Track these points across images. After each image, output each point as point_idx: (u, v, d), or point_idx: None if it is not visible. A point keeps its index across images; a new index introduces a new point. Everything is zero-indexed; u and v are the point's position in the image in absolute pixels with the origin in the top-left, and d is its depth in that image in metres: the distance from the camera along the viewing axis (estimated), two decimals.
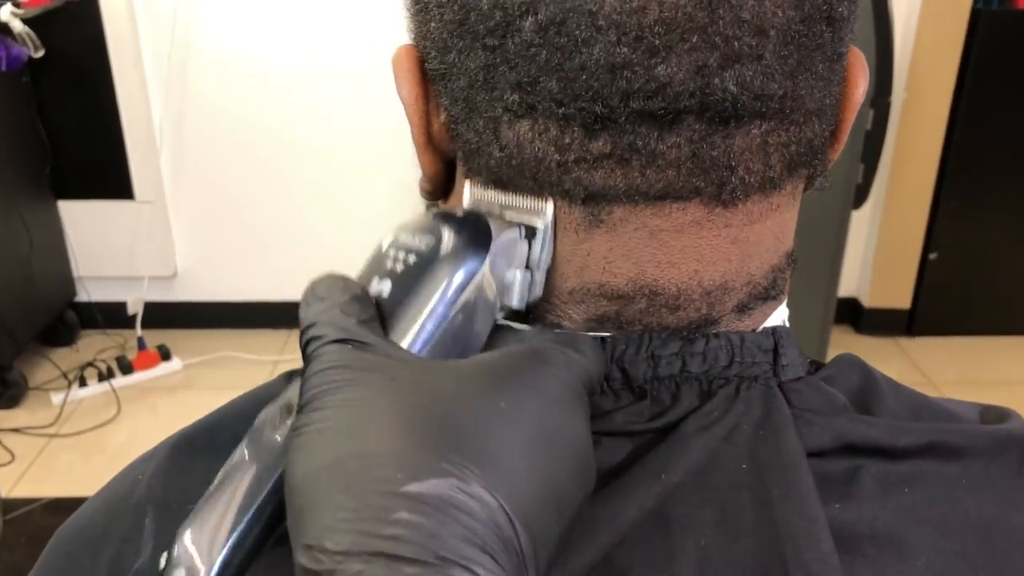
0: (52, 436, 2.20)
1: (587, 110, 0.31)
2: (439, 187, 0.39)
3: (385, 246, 0.34)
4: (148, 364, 2.45)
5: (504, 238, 0.33)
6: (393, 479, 0.25)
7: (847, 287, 2.69)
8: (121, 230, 2.55)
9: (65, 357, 2.51)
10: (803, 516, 0.32)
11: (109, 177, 2.51)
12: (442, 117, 0.36)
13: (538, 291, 0.35)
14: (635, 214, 0.33)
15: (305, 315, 0.31)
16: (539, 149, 0.33)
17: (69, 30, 2.34)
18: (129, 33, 2.36)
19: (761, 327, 0.37)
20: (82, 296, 2.61)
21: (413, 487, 0.25)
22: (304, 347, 0.30)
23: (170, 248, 2.59)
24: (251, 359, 2.53)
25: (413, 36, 0.37)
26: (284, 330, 2.69)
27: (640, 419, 0.35)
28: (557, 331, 0.35)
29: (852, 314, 2.75)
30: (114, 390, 2.35)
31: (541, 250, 0.34)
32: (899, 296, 2.68)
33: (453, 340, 0.33)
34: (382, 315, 0.32)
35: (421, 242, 0.33)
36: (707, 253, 0.34)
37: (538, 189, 0.34)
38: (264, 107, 2.45)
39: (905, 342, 2.69)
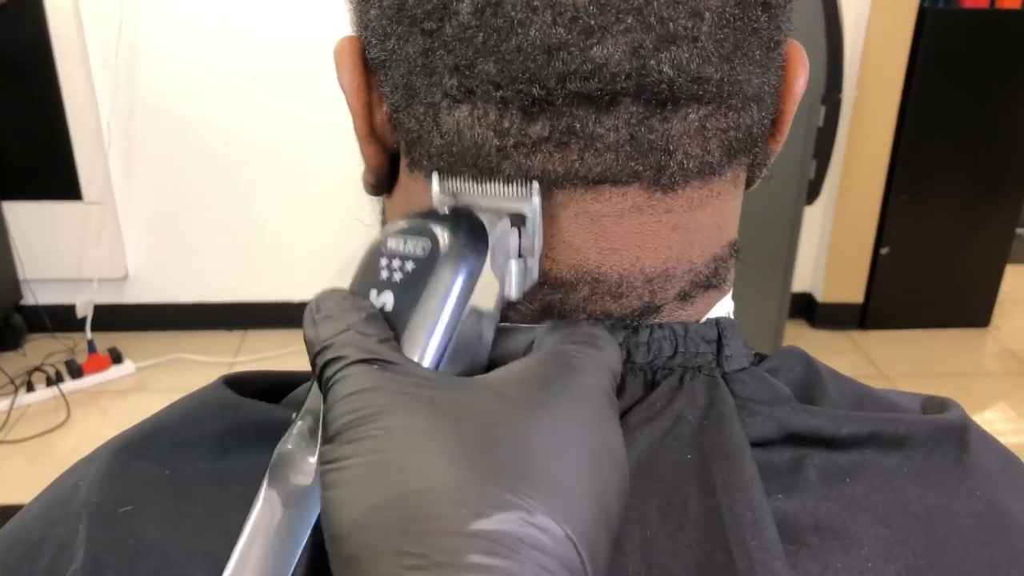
0: None
1: (524, 92, 0.31)
2: (383, 180, 0.38)
3: (376, 255, 0.32)
4: (99, 367, 2.39)
5: (499, 230, 0.32)
6: (457, 516, 0.24)
7: (801, 282, 2.72)
8: (69, 231, 2.49)
9: (11, 361, 2.45)
10: (747, 506, 0.32)
11: (55, 177, 2.45)
12: (384, 108, 0.36)
13: (535, 276, 0.34)
14: (575, 199, 0.33)
15: (315, 335, 0.29)
16: (479, 135, 0.32)
17: (11, 28, 2.28)
18: (74, 30, 2.31)
19: (705, 317, 0.37)
20: (28, 299, 2.55)
21: (481, 524, 0.24)
22: (321, 371, 0.28)
23: (120, 249, 2.54)
24: (205, 361, 2.49)
25: (355, 26, 0.36)
26: (238, 331, 2.65)
27: None
28: (568, 327, 0.33)
29: (806, 309, 2.79)
30: (63, 394, 2.29)
31: (534, 235, 0.33)
32: (852, 291, 2.73)
33: (465, 348, 0.31)
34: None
35: (416, 247, 0.31)
36: (648, 239, 0.34)
37: (479, 175, 0.33)
38: (214, 105, 2.41)
39: (858, 335, 2.73)
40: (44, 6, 2.28)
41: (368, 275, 0.32)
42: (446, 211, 0.33)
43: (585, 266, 0.34)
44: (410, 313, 0.30)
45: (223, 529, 0.31)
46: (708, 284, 0.36)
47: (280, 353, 2.50)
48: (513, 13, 0.30)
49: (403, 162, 0.36)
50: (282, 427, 0.33)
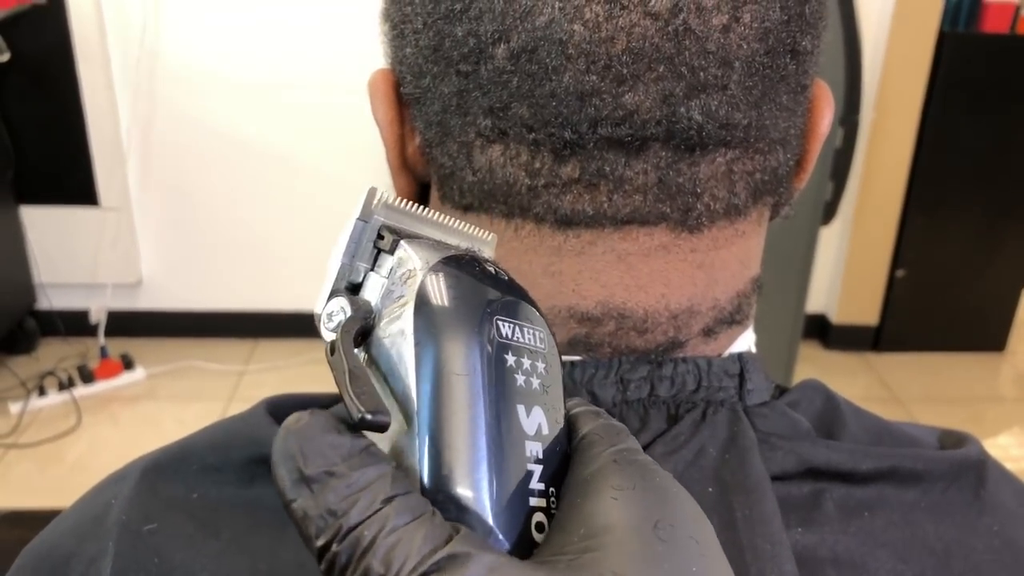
0: (9, 446, 2.15)
1: (556, 136, 0.32)
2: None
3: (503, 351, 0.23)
4: (110, 373, 2.40)
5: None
6: None
7: (815, 303, 2.71)
8: (85, 236, 2.51)
9: (24, 365, 2.46)
10: (767, 539, 0.32)
11: (74, 183, 2.47)
12: (417, 141, 0.36)
13: None
14: (603, 238, 0.34)
15: (315, 504, 0.21)
16: (510, 174, 0.33)
17: (36, 33, 2.31)
18: (97, 37, 2.33)
19: (727, 352, 0.37)
20: (43, 303, 2.56)
21: None
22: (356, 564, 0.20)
23: (135, 255, 2.56)
24: (216, 368, 2.50)
25: (389, 60, 0.37)
26: (250, 340, 2.66)
27: None
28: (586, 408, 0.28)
29: (820, 330, 2.77)
30: (74, 399, 2.30)
31: None
32: (867, 312, 2.71)
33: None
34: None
35: (537, 340, 0.25)
36: (674, 277, 0.35)
37: (509, 213, 0.34)
38: (233, 114, 2.43)
39: (872, 358, 2.71)
40: (68, 13, 2.30)
41: (499, 379, 0.23)
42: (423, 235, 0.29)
43: (611, 302, 0.34)
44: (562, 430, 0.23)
45: (249, 552, 0.32)
46: (731, 320, 0.37)
47: (291, 363, 2.51)
48: (548, 60, 0.31)
49: (434, 195, 0.37)
50: None
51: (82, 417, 2.26)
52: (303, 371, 2.47)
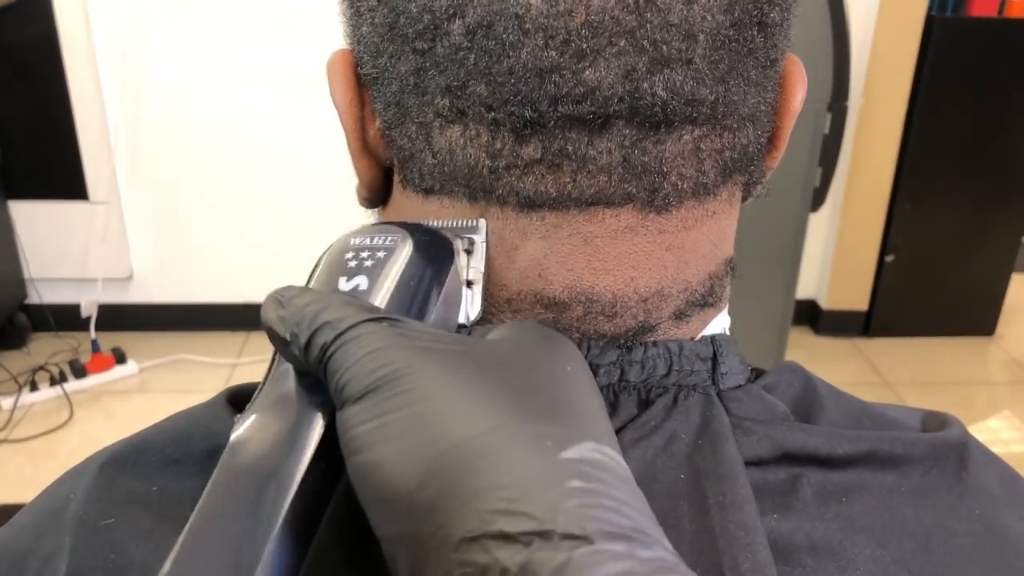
0: (1, 441, 2.14)
1: (516, 114, 0.31)
2: (377, 194, 0.38)
3: (341, 251, 0.32)
4: (102, 367, 2.40)
5: (457, 246, 0.33)
6: (544, 449, 0.24)
7: (806, 289, 2.72)
8: (75, 231, 2.50)
9: (15, 360, 2.45)
10: (740, 526, 0.32)
11: (62, 177, 2.46)
12: (377, 123, 0.35)
13: (478, 307, 0.34)
14: (568, 220, 0.33)
15: (291, 312, 0.28)
16: (470, 155, 0.32)
17: (20, 27, 2.29)
18: (83, 30, 2.32)
19: (700, 335, 0.37)
20: (33, 298, 2.55)
21: (568, 454, 0.24)
22: (310, 339, 0.27)
23: (125, 249, 2.55)
24: (208, 362, 2.49)
25: (348, 40, 0.36)
26: (242, 332, 2.65)
27: None
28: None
29: (811, 315, 2.78)
30: (66, 394, 2.30)
31: (480, 265, 0.33)
32: (856, 298, 2.72)
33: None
34: None
35: (384, 239, 0.32)
36: (642, 259, 0.34)
37: (471, 195, 0.33)
38: (221, 107, 2.42)
39: (862, 343, 2.73)
40: (53, 6, 2.28)
41: (335, 266, 0.31)
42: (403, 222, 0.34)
43: (579, 286, 0.34)
44: (387, 289, 0.30)
45: None
46: (703, 302, 0.36)
47: None
48: (505, 35, 0.30)
49: (396, 178, 0.36)
50: None
51: (74, 411, 2.25)
52: None
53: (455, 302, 0.32)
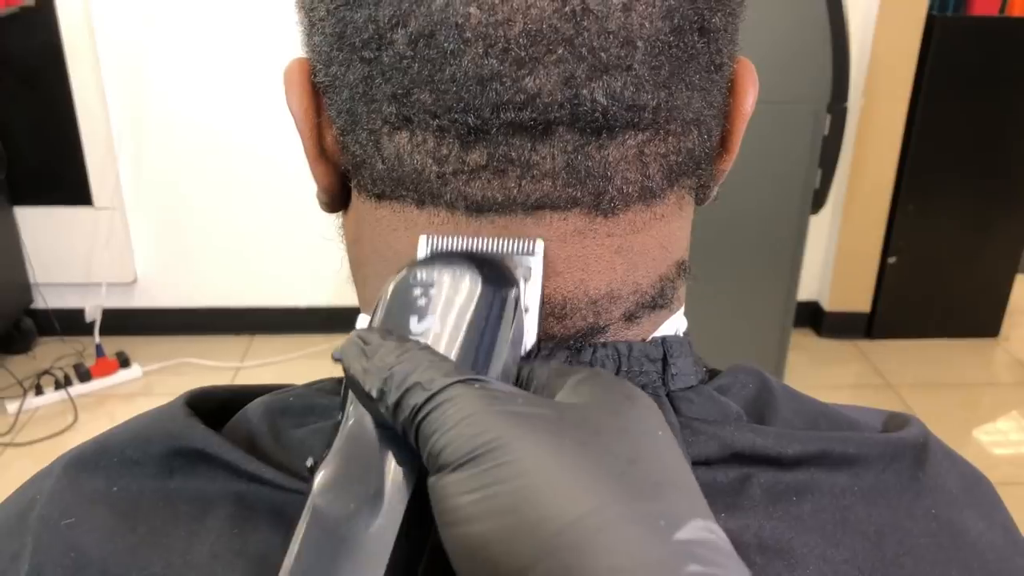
0: (7, 445, 2.16)
1: (460, 121, 0.32)
2: (335, 198, 0.39)
3: (407, 286, 0.31)
4: (106, 371, 2.41)
5: (517, 275, 0.33)
6: (658, 529, 0.23)
7: (808, 291, 2.71)
8: (79, 236, 2.52)
9: (21, 364, 2.47)
10: None
11: (67, 183, 2.48)
12: (334, 129, 0.36)
13: (533, 335, 0.33)
14: (516, 224, 0.33)
15: (376, 364, 0.28)
16: (418, 161, 0.33)
17: (25, 35, 2.31)
18: (86, 38, 2.34)
19: (651, 337, 0.37)
20: (39, 303, 2.57)
21: (682, 535, 0.23)
22: (402, 398, 0.27)
23: (129, 254, 2.56)
24: (212, 365, 2.51)
25: (304, 49, 0.37)
26: (245, 336, 2.67)
27: None
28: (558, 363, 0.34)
29: (813, 317, 2.77)
30: (71, 398, 2.32)
31: (537, 292, 0.33)
32: (859, 300, 2.71)
33: (507, 378, 0.31)
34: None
35: (451, 275, 0.31)
36: (591, 263, 0.34)
37: (420, 200, 0.34)
38: (223, 114, 2.43)
39: (865, 345, 2.72)
40: (57, 14, 2.30)
41: (403, 307, 0.31)
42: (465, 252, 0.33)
43: None
44: (462, 337, 0.30)
45: (164, 545, 0.32)
46: (654, 304, 0.37)
47: (286, 358, 2.52)
48: (446, 44, 0.30)
49: (353, 183, 0.37)
50: (219, 458, 0.33)
51: (79, 415, 2.27)
52: (298, 366, 2.48)
53: (519, 338, 0.32)
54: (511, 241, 0.33)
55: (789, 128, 2.04)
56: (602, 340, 0.36)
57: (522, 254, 0.33)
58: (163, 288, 2.64)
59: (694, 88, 0.34)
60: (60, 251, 2.53)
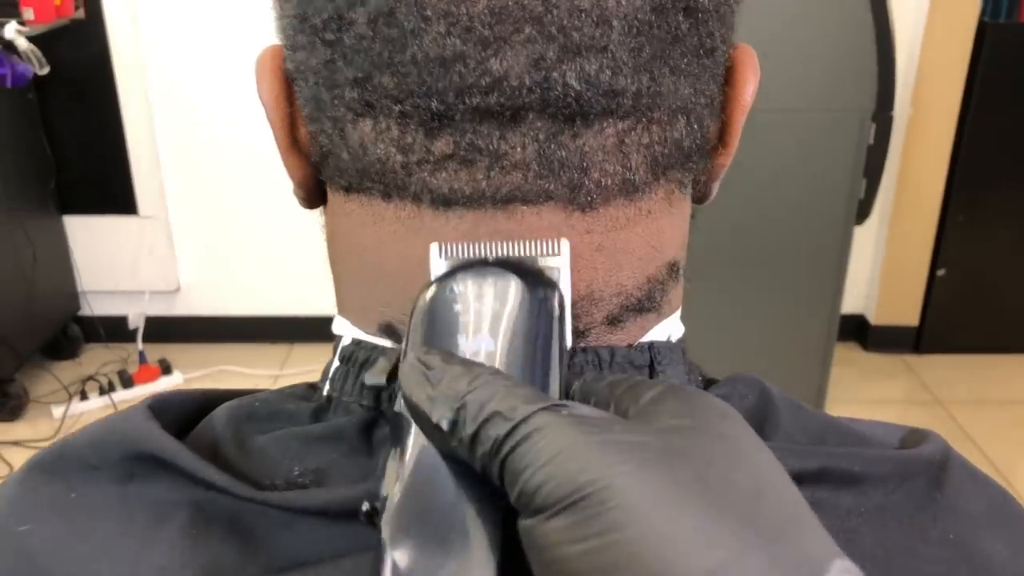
0: None
1: (423, 107, 0.30)
2: (312, 192, 0.37)
3: (446, 302, 0.29)
4: (149, 378, 2.45)
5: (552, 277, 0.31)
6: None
7: (853, 304, 2.65)
8: (124, 245, 2.56)
9: (67, 370, 2.52)
10: None
11: (113, 192, 2.53)
12: (305, 120, 0.35)
13: (568, 339, 0.31)
14: (486, 219, 0.32)
15: (442, 392, 0.25)
16: (381, 150, 0.31)
17: (74, 47, 2.37)
18: (134, 50, 2.39)
19: (637, 342, 0.35)
20: (85, 310, 2.63)
21: None
22: (480, 429, 0.24)
23: (173, 263, 2.61)
24: (251, 373, 2.53)
25: (277, 35, 0.36)
26: (285, 344, 2.69)
27: None
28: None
29: (858, 331, 2.71)
30: (114, 404, 2.36)
31: (567, 291, 0.31)
32: (906, 313, 2.64)
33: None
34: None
35: (492, 285, 0.29)
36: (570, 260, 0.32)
37: (386, 193, 0.32)
38: (265, 125, 2.45)
39: (913, 359, 2.64)
40: (106, 26, 2.36)
41: (448, 324, 0.28)
42: (491, 259, 0.31)
43: None
44: (519, 353, 0.28)
45: (114, 557, 0.31)
46: (640, 307, 0.35)
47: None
48: (406, 23, 0.29)
49: (321, 176, 0.36)
50: (176, 465, 0.32)
51: None
52: None
53: (565, 348, 0.30)
54: (533, 243, 0.31)
55: (833, 137, 2.00)
56: (582, 344, 0.34)
57: (546, 255, 0.31)
58: (205, 296, 2.67)
59: (680, 73, 0.31)
60: (106, 259, 2.58)
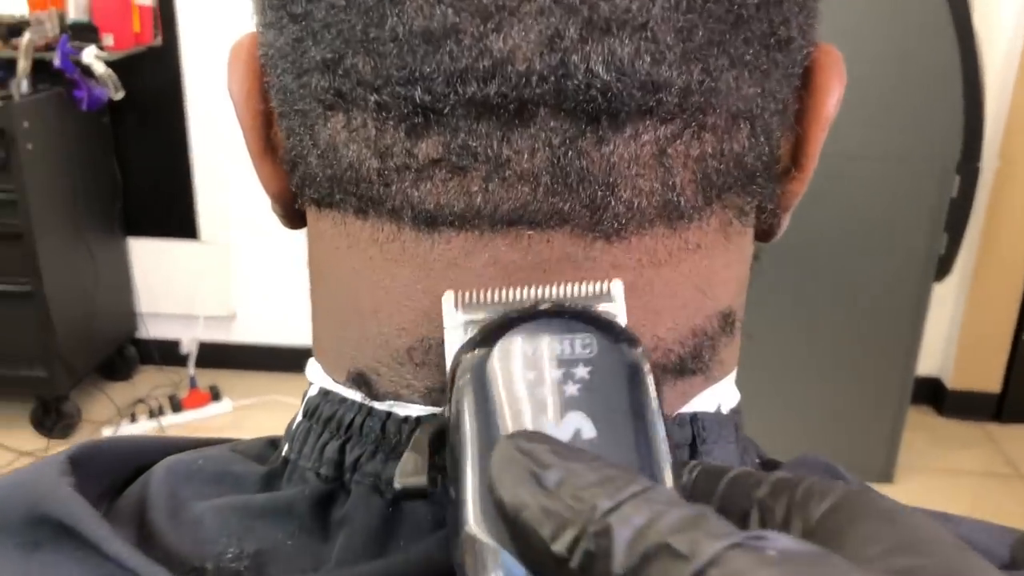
0: None
1: (404, 97, 0.23)
2: (289, 208, 0.31)
3: (519, 367, 0.22)
4: (198, 403, 2.44)
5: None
6: None
7: (929, 365, 2.50)
8: (184, 269, 2.58)
9: (121, 391, 2.53)
10: None
11: (177, 217, 2.56)
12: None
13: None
14: (481, 245, 0.25)
15: (566, 502, 0.17)
16: (354, 153, 0.25)
17: (149, 73, 2.41)
18: (206, 79, 2.42)
19: (676, 412, 0.28)
20: (142, 332, 2.64)
21: None
22: (643, 568, 0.16)
23: (229, 289, 2.61)
24: (298, 403, 2.50)
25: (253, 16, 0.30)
26: None
27: None
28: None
29: (934, 395, 2.55)
30: (162, 428, 2.35)
31: None
32: (988, 378, 2.48)
33: None
34: None
35: (571, 345, 0.22)
36: None
37: (360, 208, 0.26)
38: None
39: (994, 428, 2.47)
40: (180, 54, 2.40)
41: (527, 398, 0.22)
42: (565, 303, 0.24)
43: None
44: (623, 438, 0.21)
45: None
46: (683, 368, 0.27)
47: None
48: None
49: (292, 185, 0.30)
50: (79, 531, 0.26)
51: None
52: None
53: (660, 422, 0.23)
54: (578, 286, 0.24)
55: (913, 188, 1.90)
56: None
57: (597, 297, 0.24)
58: (259, 324, 2.66)
59: (744, 67, 0.24)
60: (165, 282, 2.60)
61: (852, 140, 1.82)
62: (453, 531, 0.21)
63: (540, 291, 0.24)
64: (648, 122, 0.24)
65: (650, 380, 0.22)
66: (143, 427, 2.35)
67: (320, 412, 0.29)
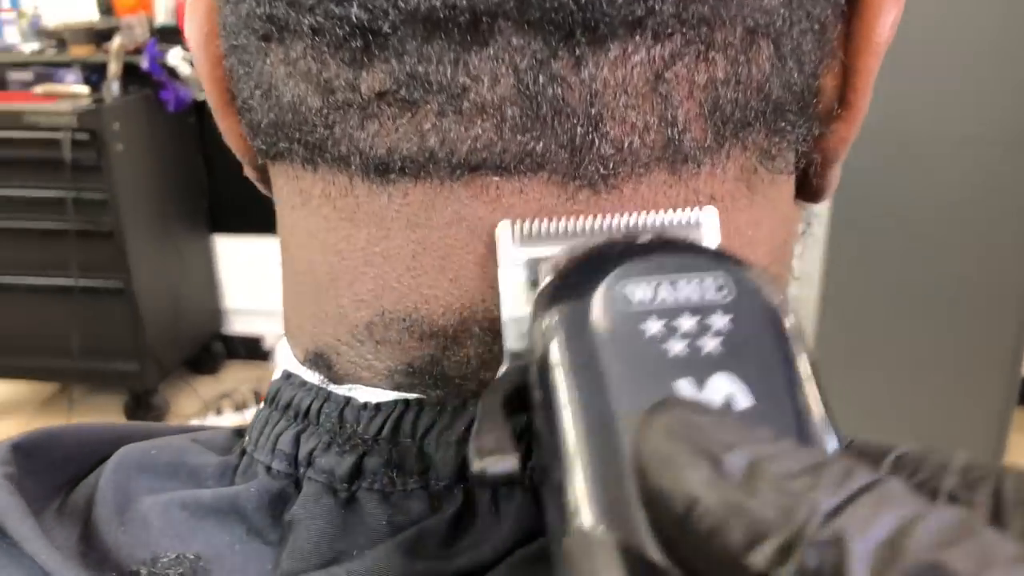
0: None
1: (340, 16, 0.20)
2: (258, 169, 0.28)
3: (629, 317, 0.17)
4: None
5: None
6: None
7: None
8: (268, 265, 2.62)
9: (208, 385, 2.59)
10: None
11: (261, 214, 2.59)
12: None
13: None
14: (442, 197, 0.21)
15: (759, 499, 0.13)
16: (293, 90, 0.22)
17: None
18: None
19: None
20: (228, 328, 2.70)
21: None
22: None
23: None
24: None
25: None
26: None
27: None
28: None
29: None
30: (246, 421, 2.39)
31: None
32: None
33: None
34: None
35: (702, 289, 0.17)
36: None
37: (308, 158, 0.22)
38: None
39: None
40: None
41: (647, 359, 0.17)
42: (647, 238, 0.19)
43: (471, 307, 0.22)
44: (788, 405, 0.17)
45: None
46: None
47: None
48: None
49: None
50: (5, 530, 0.23)
51: None
52: None
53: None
54: (656, 215, 0.20)
55: (1019, 171, 1.78)
56: None
57: (681, 229, 0.20)
58: None
59: None
60: (250, 279, 2.65)
61: (960, 123, 1.71)
62: (556, 524, 0.16)
63: (615, 220, 0.20)
64: (638, 38, 0.19)
65: (798, 332, 0.17)
66: (228, 420, 2.40)
67: (280, 397, 0.26)
